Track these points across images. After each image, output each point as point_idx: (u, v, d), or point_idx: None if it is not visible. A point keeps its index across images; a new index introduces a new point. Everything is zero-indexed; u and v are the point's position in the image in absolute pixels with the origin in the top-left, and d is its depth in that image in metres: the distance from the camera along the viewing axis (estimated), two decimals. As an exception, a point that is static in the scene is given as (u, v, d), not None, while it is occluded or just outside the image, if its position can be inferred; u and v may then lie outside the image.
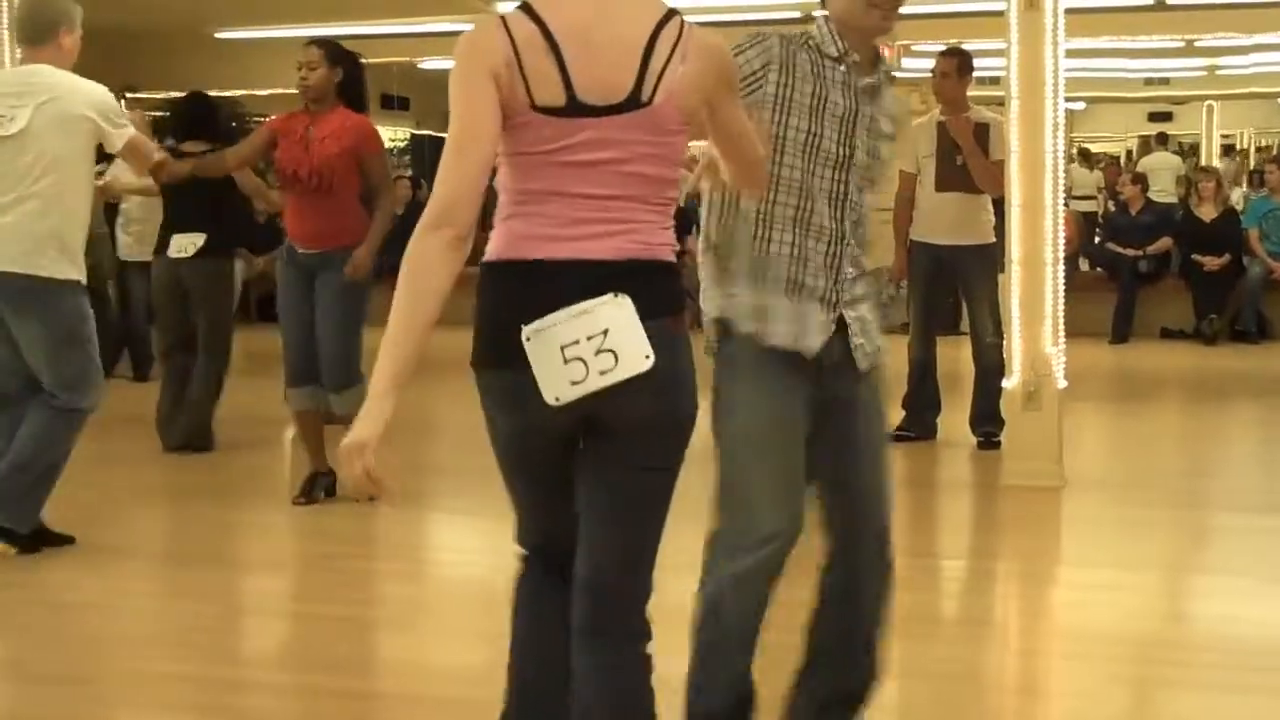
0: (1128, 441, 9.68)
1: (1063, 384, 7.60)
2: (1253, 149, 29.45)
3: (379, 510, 6.98)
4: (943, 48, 9.21)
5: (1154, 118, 27.51)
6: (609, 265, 2.96)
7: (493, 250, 3.03)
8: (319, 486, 7.32)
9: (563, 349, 2.92)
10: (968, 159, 8.36)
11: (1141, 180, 15.97)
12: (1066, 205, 9.97)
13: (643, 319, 2.94)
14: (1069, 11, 7.58)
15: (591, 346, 2.92)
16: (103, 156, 6.85)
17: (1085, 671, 4.96)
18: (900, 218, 8.71)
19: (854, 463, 3.67)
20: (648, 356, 2.93)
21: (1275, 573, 6.15)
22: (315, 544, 6.89)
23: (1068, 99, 8.54)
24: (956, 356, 9.45)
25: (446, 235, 2.87)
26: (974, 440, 8.57)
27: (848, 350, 3.58)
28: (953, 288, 9.01)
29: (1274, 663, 5.00)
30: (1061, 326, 7.64)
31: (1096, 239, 15.35)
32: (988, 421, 8.40)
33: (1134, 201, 15.20)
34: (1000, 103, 7.90)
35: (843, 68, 3.54)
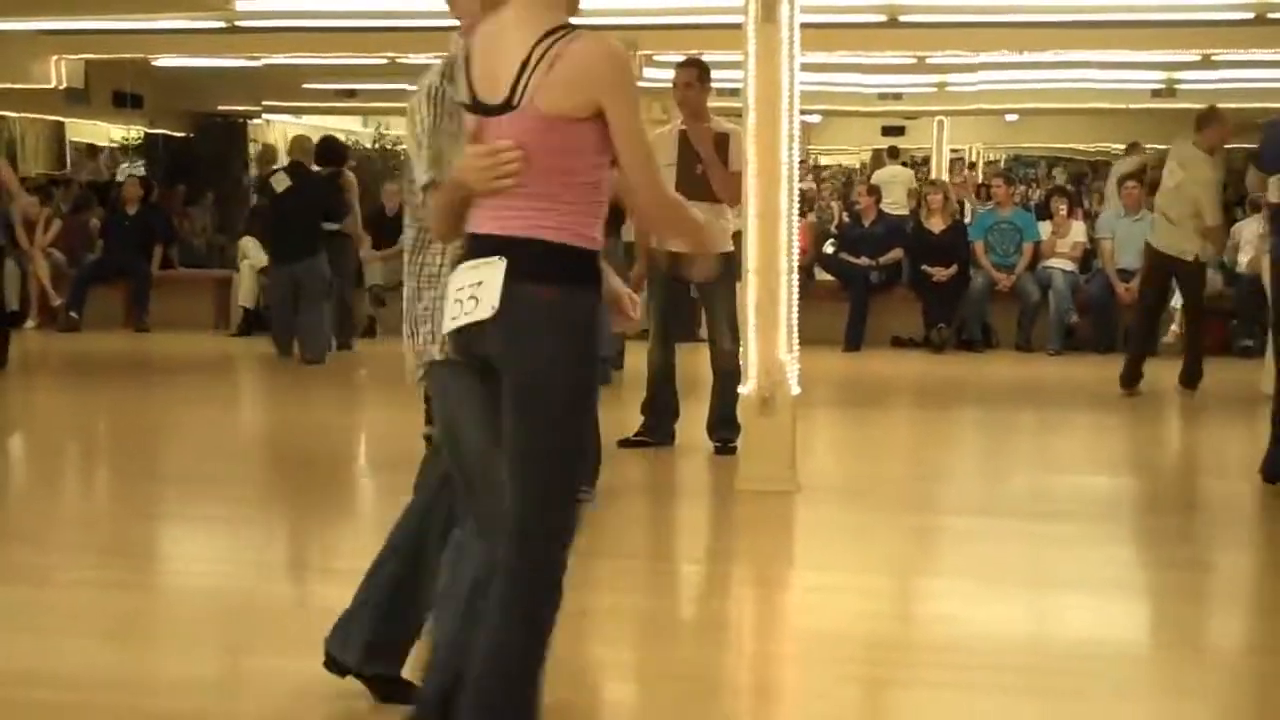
0: (859, 447, 9.90)
1: (796, 391, 7.74)
2: (981, 163, 30.37)
3: (103, 519, 6.78)
4: (682, 59, 9.31)
5: (887, 131, 28.10)
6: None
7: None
8: None
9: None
10: (707, 168, 8.45)
11: (876, 192, 16.35)
12: (803, 215, 10.16)
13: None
14: (805, 26, 7.72)
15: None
16: None
17: (817, 673, 5.07)
18: (642, 225, 8.75)
19: None
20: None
21: (995, 573, 6.35)
22: (35, 555, 6.68)
23: (804, 112, 8.71)
24: (696, 363, 9.57)
25: None
26: (711, 446, 8.68)
27: None
28: (691, 295, 9.15)
29: (995, 660, 5.17)
30: (796, 334, 7.78)
31: (830, 249, 15.64)
32: (724, 427, 8.52)
33: (868, 213, 15.55)
34: (739, 114, 8.01)
35: None
